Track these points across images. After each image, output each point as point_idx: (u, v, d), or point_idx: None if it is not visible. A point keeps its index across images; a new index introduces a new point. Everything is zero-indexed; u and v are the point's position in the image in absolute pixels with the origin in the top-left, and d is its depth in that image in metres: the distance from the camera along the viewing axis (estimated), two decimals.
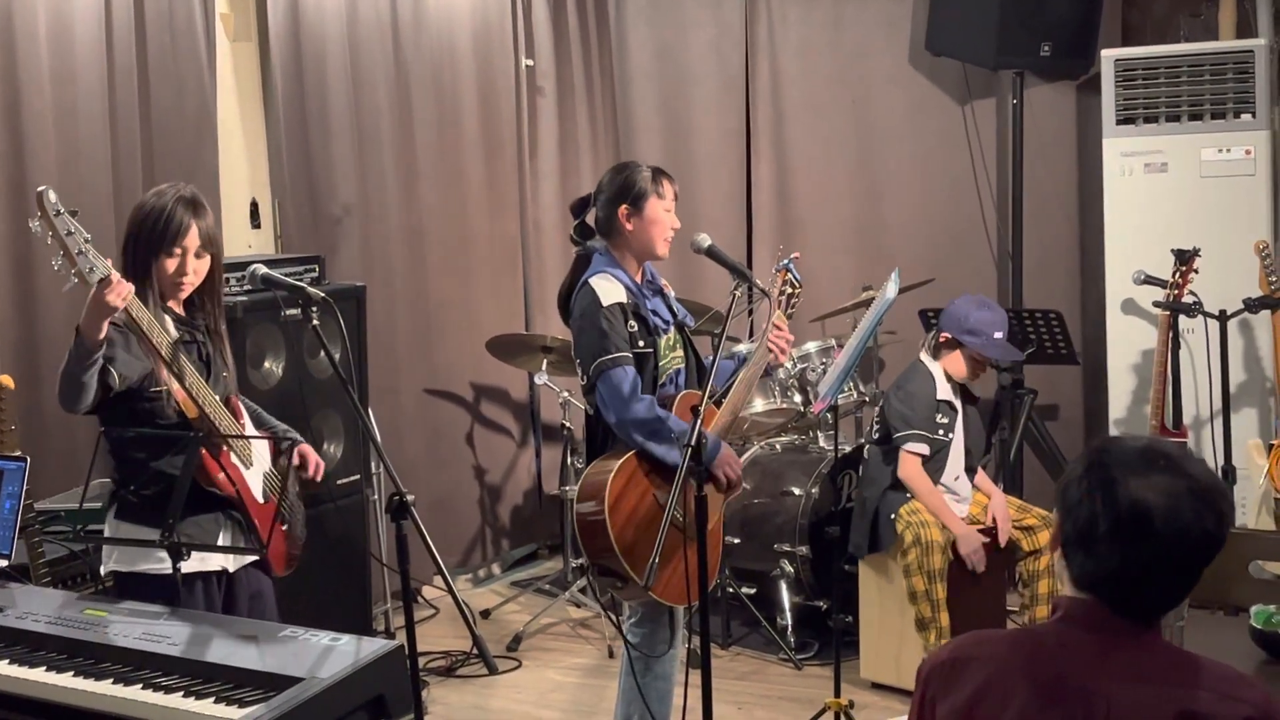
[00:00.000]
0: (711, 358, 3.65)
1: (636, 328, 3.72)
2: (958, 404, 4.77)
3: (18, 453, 3.52)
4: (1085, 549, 1.95)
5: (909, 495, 4.70)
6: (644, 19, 6.88)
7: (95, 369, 3.08)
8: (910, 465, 4.68)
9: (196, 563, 3.24)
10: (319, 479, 3.50)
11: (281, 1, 5.44)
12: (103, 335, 3.05)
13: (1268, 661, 2.71)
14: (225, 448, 3.29)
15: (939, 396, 4.71)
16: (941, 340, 4.74)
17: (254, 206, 5.65)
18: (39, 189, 2.97)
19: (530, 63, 6.53)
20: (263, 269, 3.27)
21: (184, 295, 3.33)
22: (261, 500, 3.40)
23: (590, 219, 3.91)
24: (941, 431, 4.70)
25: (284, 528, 3.47)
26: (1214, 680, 1.92)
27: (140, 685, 2.58)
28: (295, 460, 3.44)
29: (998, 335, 4.69)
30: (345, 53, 5.66)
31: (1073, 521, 1.95)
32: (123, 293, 3.02)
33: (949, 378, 4.75)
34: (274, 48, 5.47)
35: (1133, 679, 1.91)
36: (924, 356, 4.81)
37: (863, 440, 5.38)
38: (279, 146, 5.56)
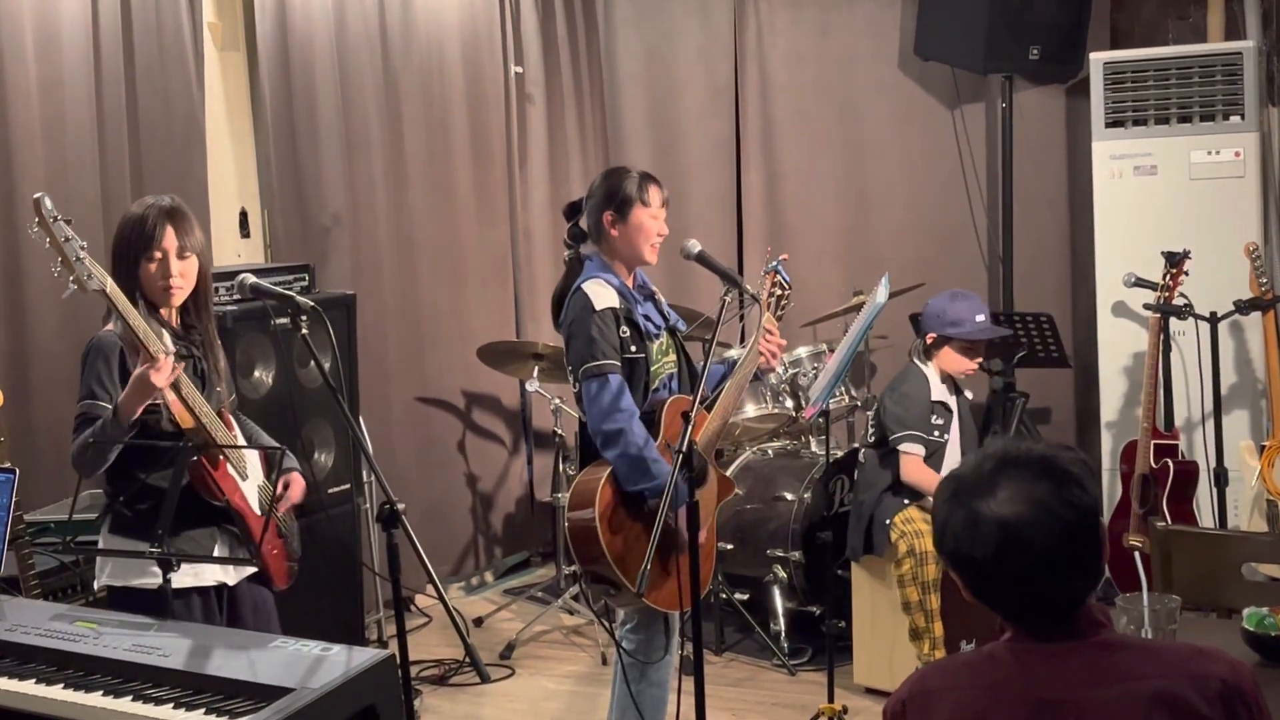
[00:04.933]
0: (703, 363, 3.65)
1: (628, 333, 3.71)
2: (953, 405, 4.77)
3: (7, 464, 3.50)
4: (989, 591, 1.96)
5: (906, 501, 4.69)
6: (633, 26, 6.88)
7: (121, 444, 3.14)
8: (912, 465, 4.65)
9: (190, 578, 3.23)
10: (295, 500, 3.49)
11: (270, 11, 5.43)
12: (139, 414, 3.11)
13: (1260, 664, 2.70)
14: (222, 459, 3.29)
15: (934, 398, 4.71)
16: (929, 341, 4.74)
17: (243, 216, 5.64)
18: (35, 195, 2.99)
19: (519, 70, 6.53)
20: (252, 278, 3.26)
21: (176, 302, 3.31)
22: (259, 512, 3.39)
23: (582, 223, 3.91)
24: (937, 433, 4.70)
25: (281, 540, 3.47)
26: (1177, 662, 1.90)
27: (130, 697, 2.57)
28: (279, 489, 3.44)
29: (979, 318, 4.70)
30: (334, 61, 5.65)
31: (966, 574, 1.97)
32: (168, 371, 3.08)
33: (942, 379, 4.75)
34: (262, 57, 5.46)
35: (1096, 682, 1.90)
36: (915, 360, 4.81)
37: (855, 445, 5.38)
38: (268, 155, 5.55)
